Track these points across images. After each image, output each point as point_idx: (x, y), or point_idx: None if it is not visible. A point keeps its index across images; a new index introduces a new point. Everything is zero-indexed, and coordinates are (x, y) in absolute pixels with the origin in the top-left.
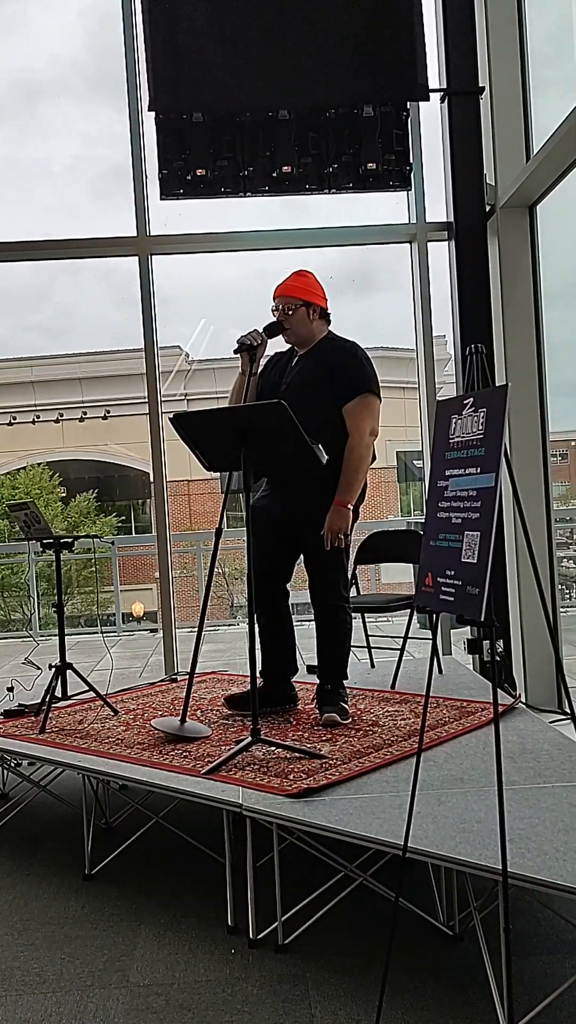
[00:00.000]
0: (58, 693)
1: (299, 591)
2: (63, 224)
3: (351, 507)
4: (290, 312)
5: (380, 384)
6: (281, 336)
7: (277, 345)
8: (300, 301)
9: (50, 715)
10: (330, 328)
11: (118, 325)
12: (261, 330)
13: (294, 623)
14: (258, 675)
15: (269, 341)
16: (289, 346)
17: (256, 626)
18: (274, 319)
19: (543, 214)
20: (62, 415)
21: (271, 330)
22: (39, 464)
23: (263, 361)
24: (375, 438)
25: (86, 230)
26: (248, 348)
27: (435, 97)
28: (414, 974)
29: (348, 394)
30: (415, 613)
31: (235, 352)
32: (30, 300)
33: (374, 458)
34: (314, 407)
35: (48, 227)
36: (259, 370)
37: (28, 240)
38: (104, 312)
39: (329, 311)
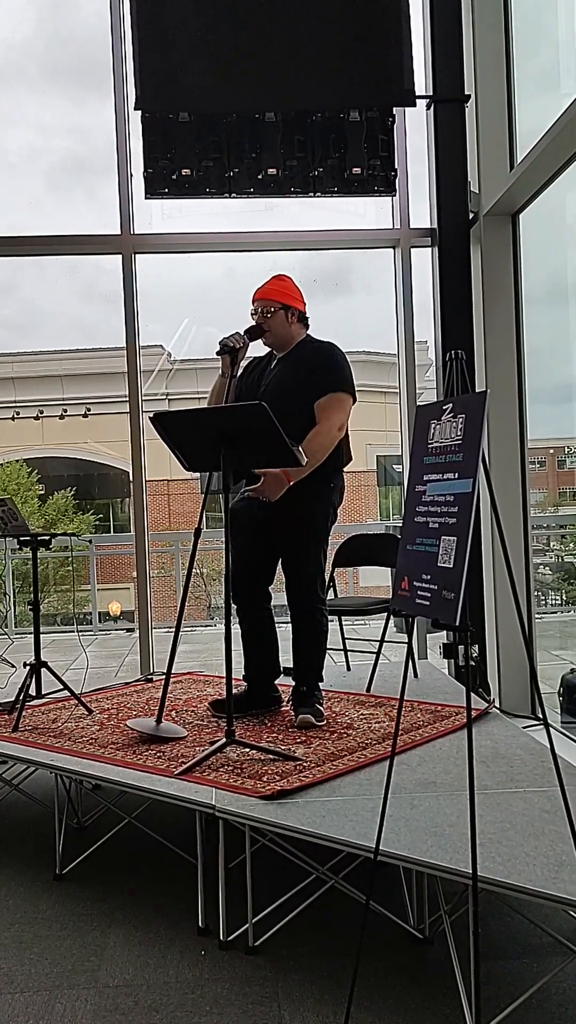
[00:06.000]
0: (32, 691)
1: (280, 592)
2: (23, 217)
3: (291, 483)
4: (269, 315)
5: (357, 387)
6: (261, 339)
7: (256, 349)
8: (279, 304)
9: (23, 713)
10: (308, 331)
11: (86, 320)
12: (243, 333)
13: (276, 625)
14: (241, 679)
15: (250, 344)
16: (268, 350)
17: (233, 627)
18: (253, 323)
19: (525, 222)
20: (42, 412)
21: (252, 333)
22: (17, 461)
23: (243, 364)
24: (342, 434)
25: (47, 223)
26: (230, 350)
27: (421, 104)
28: (383, 977)
29: (321, 391)
30: (391, 617)
31: (217, 354)
32: None
33: (349, 459)
34: (293, 409)
35: (11, 220)
36: (239, 373)
37: (8, 236)
38: (71, 307)
39: (307, 315)
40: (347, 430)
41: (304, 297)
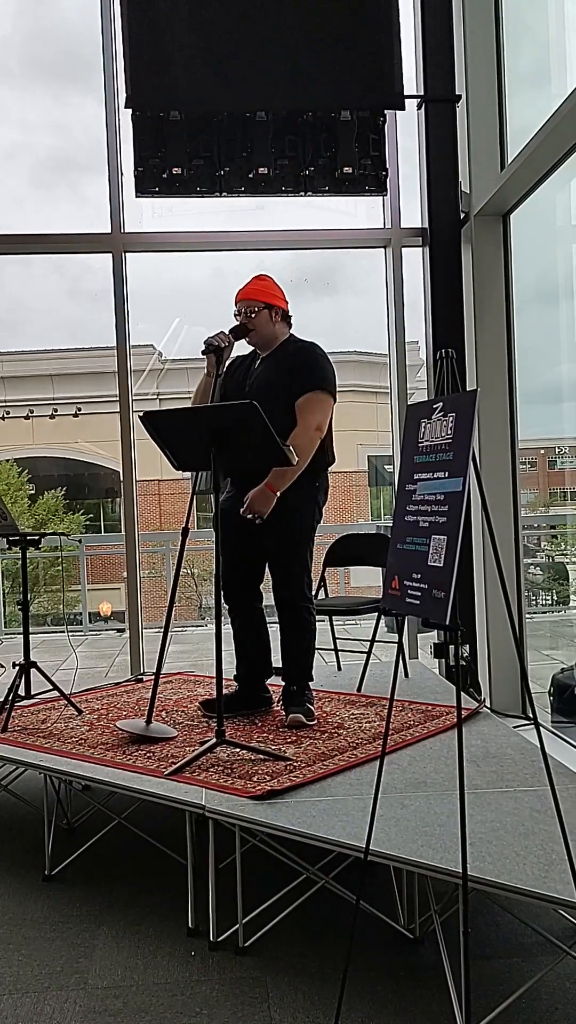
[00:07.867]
0: (21, 692)
1: (270, 591)
2: (7, 214)
3: (277, 494)
4: (253, 315)
5: (349, 387)
6: (245, 339)
7: (239, 348)
8: (262, 304)
9: (13, 714)
10: (292, 331)
11: (72, 318)
12: (228, 332)
13: (267, 625)
14: (232, 679)
15: (235, 344)
16: (251, 349)
17: (224, 627)
18: (237, 323)
19: (516, 222)
20: (32, 411)
21: (237, 333)
22: (7, 460)
23: (226, 363)
24: (321, 434)
25: (31, 220)
26: (215, 350)
27: (411, 104)
28: (373, 977)
29: (301, 391)
30: (382, 616)
31: (203, 353)
32: None
33: (332, 460)
34: (278, 408)
35: None
36: (223, 372)
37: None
38: (58, 305)
39: (290, 314)
40: (331, 430)
41: (286, 296)
